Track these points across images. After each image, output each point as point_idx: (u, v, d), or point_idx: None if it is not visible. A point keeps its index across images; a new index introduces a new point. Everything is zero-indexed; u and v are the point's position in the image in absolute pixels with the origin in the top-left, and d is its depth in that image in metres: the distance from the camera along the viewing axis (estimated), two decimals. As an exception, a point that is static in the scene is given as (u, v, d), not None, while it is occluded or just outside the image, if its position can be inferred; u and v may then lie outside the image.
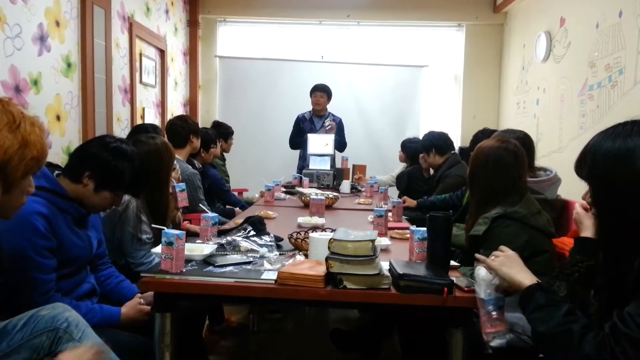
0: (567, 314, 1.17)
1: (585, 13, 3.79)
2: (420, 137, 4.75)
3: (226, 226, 2.36)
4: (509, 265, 1.39)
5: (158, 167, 2.21)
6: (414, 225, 1.90)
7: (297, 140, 4.78)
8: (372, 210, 2.62)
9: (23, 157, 1.15)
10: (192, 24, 5.75)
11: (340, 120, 4.82)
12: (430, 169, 4.16)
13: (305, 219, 2.60)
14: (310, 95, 4.78)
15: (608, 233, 1.21)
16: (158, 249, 1.67)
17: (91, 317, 1.59)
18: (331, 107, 4.90)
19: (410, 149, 4.38)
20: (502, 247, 1.48)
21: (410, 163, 4.42)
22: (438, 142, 3.87)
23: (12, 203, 1.20)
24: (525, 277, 1.32)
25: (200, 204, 2.73)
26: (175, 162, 2.42)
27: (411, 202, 3.65)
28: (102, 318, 1.67)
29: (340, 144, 4.73)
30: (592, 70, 3.65)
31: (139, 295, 1.83)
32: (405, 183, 4.26)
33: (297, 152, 4.91)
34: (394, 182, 4.59)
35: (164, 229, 1.63)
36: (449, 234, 1.73)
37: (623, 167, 1.14)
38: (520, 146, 2.06)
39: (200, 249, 1.78)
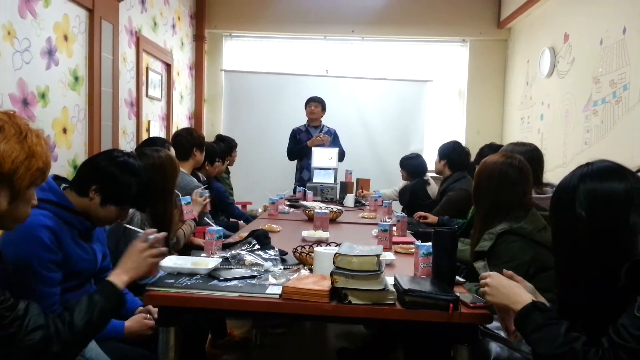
0: (567, 332, 1.17)
1: (589, 29, 3.81)
2: (421, 153, 4.75)
3: (230, 240, 2.36)
4: (495, 295, 1.38)
5: (162, 180, 2.22)
6: (419, 240, 1.90)
7: (296, 149, 4.84)
8: (376, 224, 2.61)
9: (29, 167, 1.16)
10: (199, 39, 5.81)
11: (335, 131, 4.89)
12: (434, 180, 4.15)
13: (309, 233, 2.59)
14: (305, 107, 4.87)
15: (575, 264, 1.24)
16: (163, 262, 1.66)
17: None
18: (336, 121, 4.93)
19: (409, 166, 4.36)
20: (482, 275, 1.47)
21: (412, 180, 4.38)
22: (455, 157, 3.83)
23: (17, 214, 1.21)
24: (515, 301, 1.32)
25: (204, 217, 2.73)
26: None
27: (433, 219, 3.60)
28: (106, 331, 1.66)
29: (340, 154, 4.77)
30: (596, 86, 3.66)
31: (142, 308, 1.83)
32: (407, 197, 4.24)
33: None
34: (397, 197, 4.58)
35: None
36: (454, 249, 1.72)
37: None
38: (525, 162, 2.05)
39: (204, 262, 1.78)
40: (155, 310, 1.74)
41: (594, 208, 1.20)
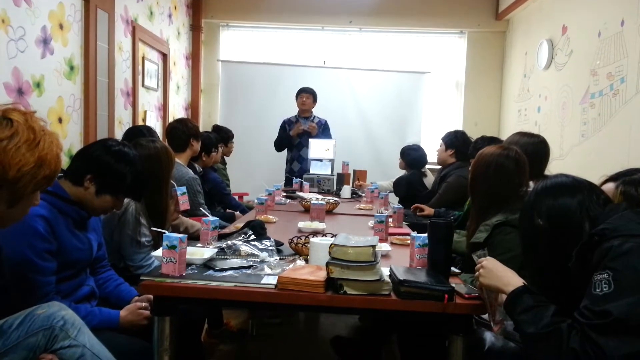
0: (554, 314, 1.22)
1: (587, 21, 3.80)
2: (421, 144, 4.75)
3: (226, 230, 2.36)
4: (488, 276, 1.42)
5: (158, 171, 2.21)
6: (415, 232, 1.90)
7: (280, 138, 4.85)
8: (372, 215, 2.61)
9: (36, 175, 1.14)
10: (195, 28, 5.77)
11: (326, 121, 4.91)
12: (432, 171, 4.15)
13: (305, 224, 2.59)
14: (296, 98, 4.87)
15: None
16: (158, 252, 1.66)
17: (90, 320, 1.59)
18: (333, 112, 4.93)
19: (409, 157, 4.34)
20: (478, 261, 1.51)
21: (409, 170, 4.38)
22: (463, 148, 3.80)
23: (14, 215, 1.21)
24: (507, 283, 1.36)
25: (200, 208, 2.72)
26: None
27: (429, 211, 3.60)
28: (101, 321, 1.66)
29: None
30: (593, 78, 3.65)
31: (138, 298, 1.82)
32: (404, 189, 4.23)
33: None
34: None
35: (165, 232, 1.63)
36: (450, 240, 1.72)
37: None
38: (521, 153, 2.05)
39: (200, 252, 1.78)
40: (148, 298, 1.74)
41: (551, 222, 1.33)
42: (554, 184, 1.38)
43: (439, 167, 4.12)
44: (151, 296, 1.68)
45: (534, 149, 2.32)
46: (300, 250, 1.92)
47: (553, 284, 1.34)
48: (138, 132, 2.84)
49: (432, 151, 4.21)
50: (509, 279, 1.37)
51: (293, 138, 4.79)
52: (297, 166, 4.82)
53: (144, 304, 1.76)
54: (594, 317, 1.12)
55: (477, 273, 1.47)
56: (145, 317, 1.72)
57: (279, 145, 4.91)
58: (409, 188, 4.17)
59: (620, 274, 1.13)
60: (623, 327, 1.09)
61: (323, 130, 4.83)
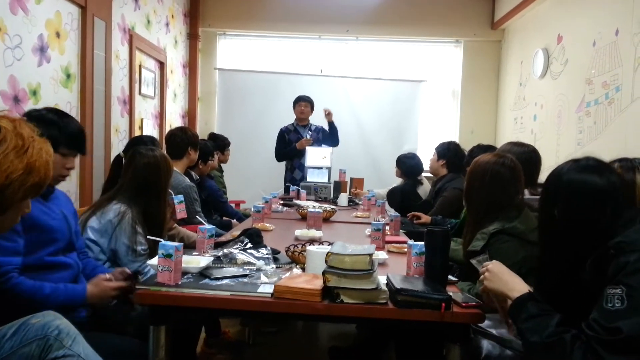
0: (559, 323, 1.20)
1: (582, 31, 3.83)
2: (417, 153, 4.76)
3: (223, 238, 2.35)
4: (494, 280, 1.41)
5: (156, 179, 2.20)
6: (412, 240, 1.89)
7: (285, 151, 4.85)
8: (369, 223, 2.61)
9: (24, 182, 1.13)
10: (192, 37, 5.79)
11: (322, 128, 4.95)
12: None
13: (302, 232, 2.59)
14: (294, 106, 4.88)
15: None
16: (154, 261, 1.65)
17: (55, 297, 1.56)
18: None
19: (405, 165, 4.34)
20: (484, 264, 1.50)
21: (405, 179, 4.37)
22: (454, 159, 3.80)
23: (3, 224, 1.20)
24: (512, 288, 1.35)
25: (197, 216, 2.72)
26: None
27: (426, 219, 3.60)
28: (67, 296, 1.61)
29: (334, 141, 4.88)
30: (589, 87, 3.67)
31: (108, 274, 1.78)
32: (399, 199, 4.21)
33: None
34: (387, 198, 4.55)
35: (160, 241, 1.62)
36: (447, 248, 1.72)
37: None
38: (516, 161, 2.06)
39: (196, 261, 1.77)
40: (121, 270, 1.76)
41: (570, 199, 1.32)
42: (587, 162, 1.40)
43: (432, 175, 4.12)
44: (123, 269, 1.72)
45: (525, 158, 2.33)
46: (297, 259, 1.92)
47: (560, 291, 1.31)
48: (142, 142, 2.83)
49: (428, 160, 4.20)
50: (515, 284, 1.35)
51: (299, 150, 4.78)
52: (298, 174, 4.82)
53: (107, 275, 1.73)
54: (603, 332, 1.11)
55: (482, 276, 1.46)
56: (113, 288, 1.68)
57: (282, 155, 4.90)
58: (404, 199, 4.15)
59: (634, 290, 1.11)
60: (632, 346, 1.07)
61: (330, 135, 4.85)
